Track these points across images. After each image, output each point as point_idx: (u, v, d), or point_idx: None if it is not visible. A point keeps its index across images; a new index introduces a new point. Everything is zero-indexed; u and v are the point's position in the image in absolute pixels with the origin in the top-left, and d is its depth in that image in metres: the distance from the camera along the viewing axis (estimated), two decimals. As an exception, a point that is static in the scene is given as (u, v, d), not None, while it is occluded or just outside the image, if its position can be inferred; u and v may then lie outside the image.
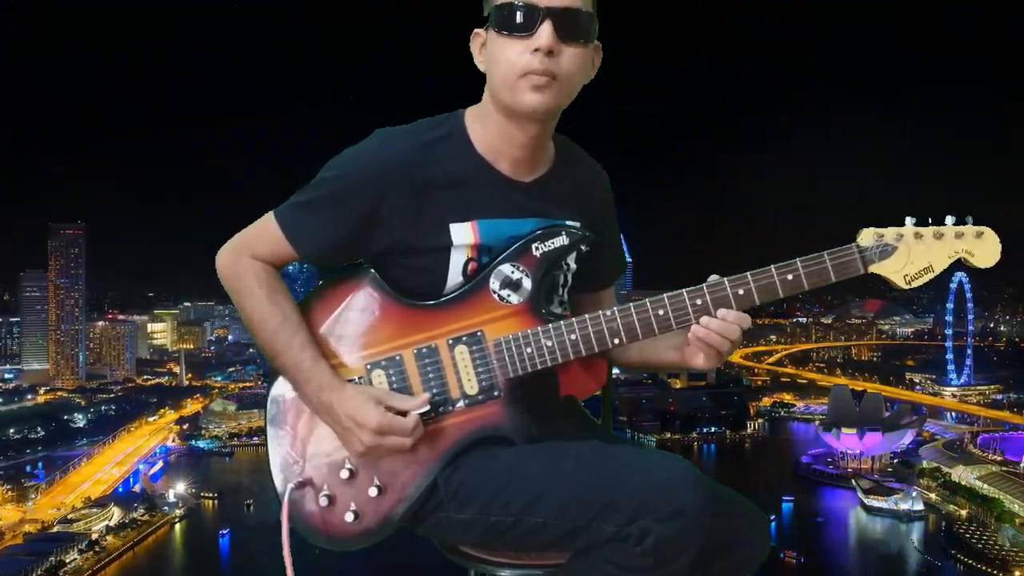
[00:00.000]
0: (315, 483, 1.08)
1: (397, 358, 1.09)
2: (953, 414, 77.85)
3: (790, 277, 1.03)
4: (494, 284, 1.09)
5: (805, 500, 54.94)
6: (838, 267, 1.02)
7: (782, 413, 78.94)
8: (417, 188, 1.07)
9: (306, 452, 1.10)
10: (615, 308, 1.07)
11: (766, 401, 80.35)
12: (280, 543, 1.04)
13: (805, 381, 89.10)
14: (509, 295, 1.09)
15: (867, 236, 1.03)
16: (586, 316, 1.07)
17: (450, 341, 1.08)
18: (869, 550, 50.67)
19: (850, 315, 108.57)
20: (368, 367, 1.09)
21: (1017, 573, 44.20)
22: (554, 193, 1.15)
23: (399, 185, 1.06)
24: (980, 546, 47.58)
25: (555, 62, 1.00)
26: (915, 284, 1.02)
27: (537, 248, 1.10)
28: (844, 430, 60.63)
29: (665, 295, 1.05)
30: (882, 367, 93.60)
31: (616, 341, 1.06)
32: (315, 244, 1.10)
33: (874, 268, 1.03)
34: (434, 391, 1.08)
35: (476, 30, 1.08)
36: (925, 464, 61.47)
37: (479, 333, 1.08)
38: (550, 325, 1.08)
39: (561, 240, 1.11)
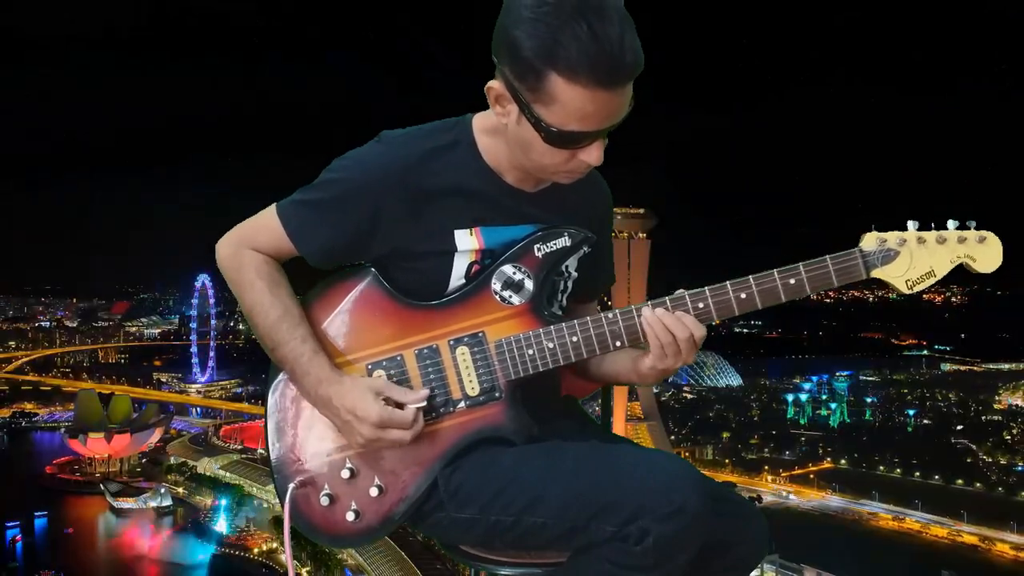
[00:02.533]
0: (316, 482, 1.08)
1: (398, 358, 1.09)
2: (198, 410, 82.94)
3: (792, 281, 1.03)
4: (496, 285, 1.09)
5: (55, 512, 55.38)
6: (840, 271, 1.02)
7: (23, 423, 76.87)
8: (420, 195, 1.06)
9: (307, 451, 1.10)
10: (617, 311, 1.07)
11: (4, 412, 78.01)
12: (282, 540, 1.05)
13: (49, 388, 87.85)
14: (511, 296, 1.09)
15: (870, 240, 1.02)
16: (588, 318, 1.07)
17: (451, 342, 1.08)
18: (121, 552, 52.80)
19: (96, 318, 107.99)
20: (369, 367, 1.09)
21: (255, 549, 49.56)
22: (558, 204, 1.15)
23: (401, 192, 1.05)
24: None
25: None
26: (917, 289, 1.02)
27: (539, 249, 1.10)
28: (91, 435, 61.80)
29: (667, 298, 1.05)
30: (130, 369, 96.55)
31: (618, 344, 1.06)
32: (315, 244, 1.10)
33: (876, 273, 1.02)
34: (435, 392, 1.08)
35: (490, 84, 0.97)
36: (173, 460, 65.08)
37: (480, 334, 1.08)
38: (551, 327, 1.07)
39: (563, 241, 1.11)
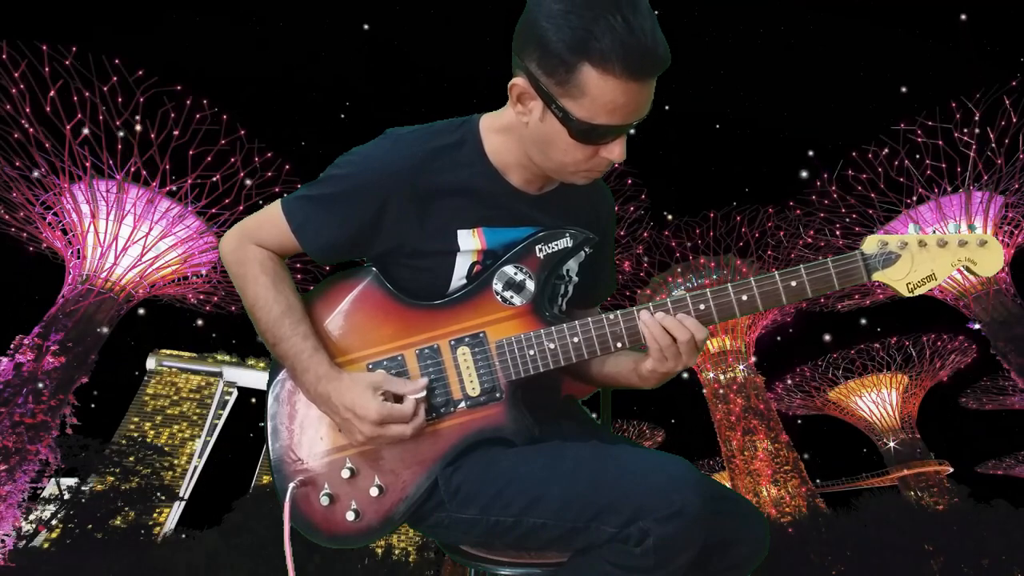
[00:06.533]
0: (316, 482, 1.08)
1: (399, 358, 1.09)
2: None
3: (794, 284, 1.02)
4: (497, 285, 1.09)
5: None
6: (842, 274, 1.02)
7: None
8: (424, 194, 1.06)
9: (307, 450, 1.10)
10: (618, 312, 1.06)
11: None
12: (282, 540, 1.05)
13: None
14: (512, 296, 1.09)
15: (871, 243, 1.02)
16: (589, 319, 1.06)
17: (452, 342, 1.08)
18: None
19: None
20: (370, 366, 1.09)
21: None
22: (560, 207, 1.15)
23: (406, 190, 1.05)
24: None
25: None
26: (918, 292, 1.01)
27: (540, 250, 1.10)
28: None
29: (668, 299, 1.05)
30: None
31: (619, 345, 1.06)
32: (319, 240, 1.10)
33: (877, 276, 1.02)
34: (436, 392, 1.07)
35: (517, 80, 0.95)
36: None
37: (481, 334, 1.08)
38: (552, 327, 1.07)
39: (564, 242, 1.10)
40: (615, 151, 0.96)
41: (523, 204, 1.11)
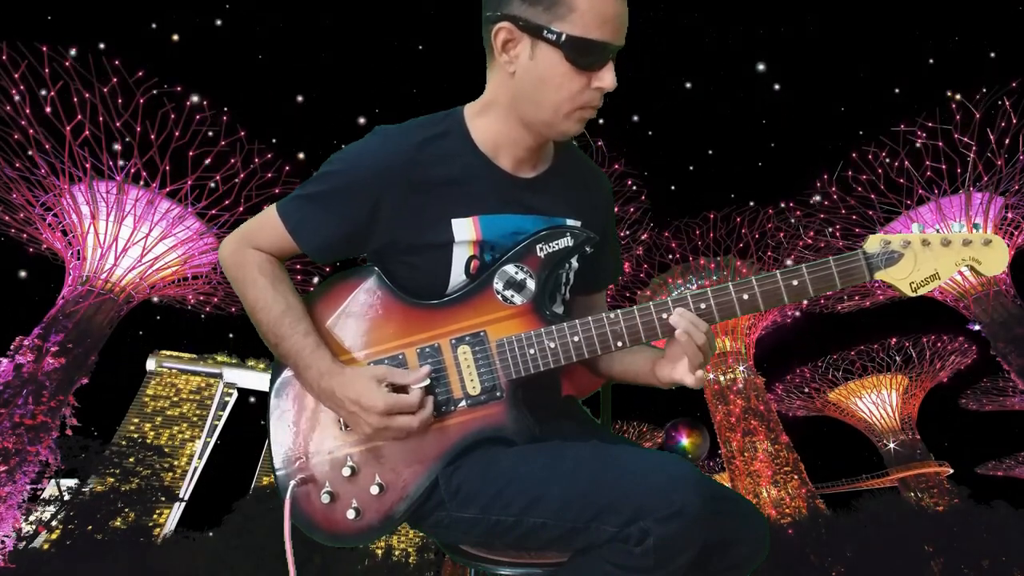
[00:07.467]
0: (317, 480, 1.08)
1: (400, 357, 1.09)
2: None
3: (795, 283, 1.02)
4: (498, 284, 1.09)
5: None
6: (844, 273, 1.01)
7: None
8: (417, 186, 1.06)
9: (308, 449, 1.10)
10: (618, 311, 1.06)
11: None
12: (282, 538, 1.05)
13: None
14: (512, 295, 1.09)
15: (873, 243, 1.02)
16: (589, 318, 1.06)
17: (453, 341, 1.08)
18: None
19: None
20: (371, 365, 1.09)
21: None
22: (555, 191, 1.15)
23: (399, 184, 1.05)
24: None
25: None
26: (921, 291, 1.00)
27: (541, 249, 1.09)
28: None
29: (669, 299, 1.05)
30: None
31: (619, 344, 1.06)
32: (316, 239, 1.10)
33: (880, 275, 1.01)
34: (436, 391, 1.07)
35: (502, 24, 0.98)
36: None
37: (482, 333, 1.08)
38: (553, 327, 1.07)
39: (565, 241, 1.10)
40: (606, 78, 0.98)
41: (517, 189, 1.12)
